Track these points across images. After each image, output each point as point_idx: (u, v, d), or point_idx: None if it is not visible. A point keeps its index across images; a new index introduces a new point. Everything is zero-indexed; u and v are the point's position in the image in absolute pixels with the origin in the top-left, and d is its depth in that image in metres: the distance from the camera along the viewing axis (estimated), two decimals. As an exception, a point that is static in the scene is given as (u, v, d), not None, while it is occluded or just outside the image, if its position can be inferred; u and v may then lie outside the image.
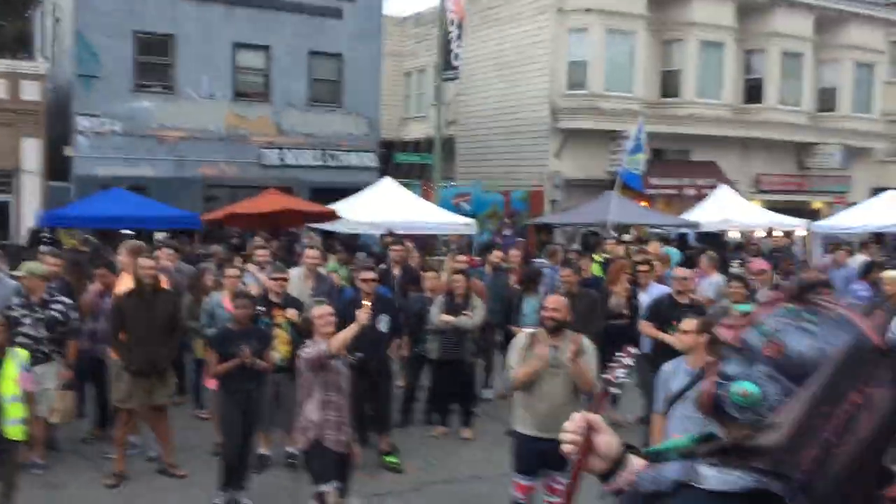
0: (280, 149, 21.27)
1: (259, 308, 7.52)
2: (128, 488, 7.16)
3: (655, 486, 1.44)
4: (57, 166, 19.14)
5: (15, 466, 6.24)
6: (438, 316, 8.65)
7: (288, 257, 11.73)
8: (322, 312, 5.86)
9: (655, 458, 1.51)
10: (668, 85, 25.46)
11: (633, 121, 20.49)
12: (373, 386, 7.75)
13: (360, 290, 7.85)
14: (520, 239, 19.63)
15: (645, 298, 9.19)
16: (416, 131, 29.00)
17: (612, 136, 23.94)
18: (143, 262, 7.49)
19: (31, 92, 18.58)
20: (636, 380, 9.17)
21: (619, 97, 23.94)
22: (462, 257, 10.18)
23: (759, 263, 9.49)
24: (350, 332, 5.74)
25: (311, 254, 8.63)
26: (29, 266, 7.78)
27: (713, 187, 22.90)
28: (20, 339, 7.24)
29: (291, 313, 7.63)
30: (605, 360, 8.94)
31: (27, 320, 7.35)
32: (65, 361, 7.61)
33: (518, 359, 5.71)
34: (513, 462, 5.73)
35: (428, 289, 9.21)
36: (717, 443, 1.43)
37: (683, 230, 21.06)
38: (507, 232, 22.81)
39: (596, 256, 13.26)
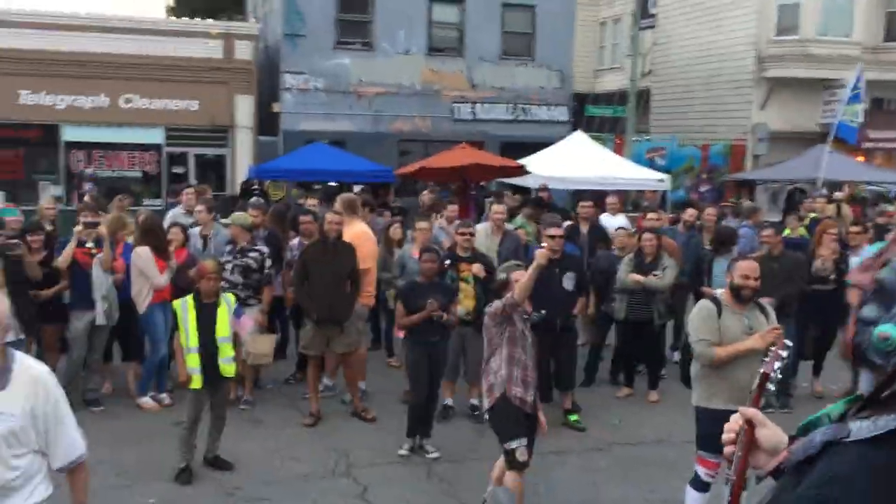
0: (472, 103, 21.44)
1: (446, 262, 7.67)
2: (323, 428, 7.60)
3: (805, 453, 1.35)
4: (266, 122, 20.39)
5: (225, 400, 6.80)
6: (626, 275, 8.43)
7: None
8: (519, 276, 5.64)
9: (807, 430, 1.40)
10: (894, 27, 23.07)
11: (849, 68, 18.82)
12: (557, 344, 7.70)
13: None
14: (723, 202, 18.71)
15: (856, 262, 8.47)
16: (609, 83, 28.21)
17: (826, 85, 22.13)
18: (329, 216, 7.81)
19: (244, 51, 19.82)
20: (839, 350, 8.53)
21: (835, 42, 22.02)
22: (653, 215, 9.82)
23: None
24: (530, 276, 5.50)
25: (497, 209, 8.65)
26: (235, 216, 8.38)
27: (943, 140, 20.69)
28: (222, 284, 7.87)
29: (477, 268, 7.70)
30: (803, 326, 8.40)
31: (229, 266, 7.93)
32: (259, 307, 8.13)
33: (709, 331, 5.32)
34: (698, 440, 5.41)
35: (618, 247, 8.99)
36: (867, 397, 1.32)
37: (905, 188, 19.21)
38: (703, 188, 21.83)
39: (802, 216, 12.40)
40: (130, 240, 8.32)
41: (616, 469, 6.86)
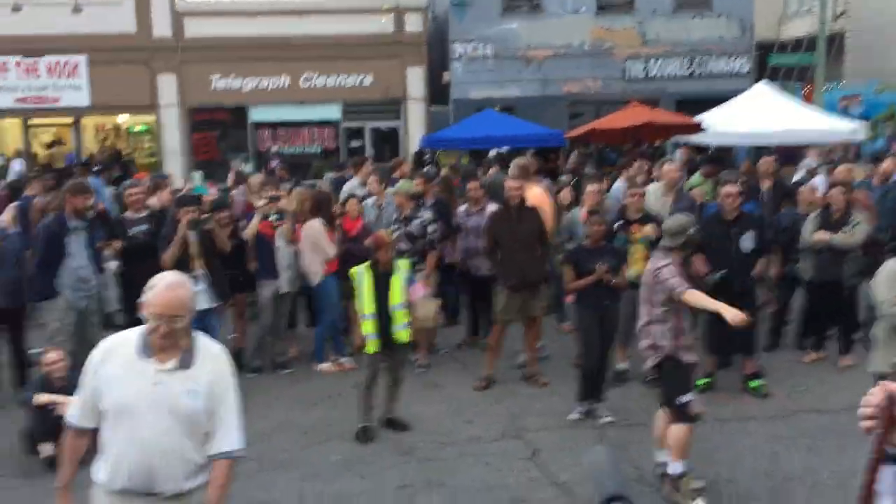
0: (645, 60, 20.71)
1: (616, 224, 7.49)
2: (495, 392, 7.69)
3: None
4: (437, 92, 20.70)
5: (402, 364, 7.03)
6: (812, 233, 7.88)
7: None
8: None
9: None
10: None
11: None
12: (736, 306, 7.33)
13: (722, 207, 7.43)
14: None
15: None
16: (797, 29, 26.26)
17: None
18: (510, 182, 7.83)
19: (414, 23, 20.19)
20: None
21: None
22: (843, 167, 9.11)
23: None
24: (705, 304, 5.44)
25: (669, 168, 8.33)
26: (399, 185, 8.60)
27: None
28: None
29: (649, 229, 7.48)
30: None
31: (395, 234, 8.15)
32: (425, 272, 8.29)
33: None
34: None
35: (803, 203, 8.42)
36: None
37: None
38: (904, 137, 19.98)
39: None
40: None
41: (801, 438, 6.49)
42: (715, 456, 6.06)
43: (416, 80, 20.26)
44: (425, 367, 8.33)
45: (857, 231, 7.83)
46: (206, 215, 7.99)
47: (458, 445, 6.51)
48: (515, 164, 8.76)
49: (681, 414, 5.30)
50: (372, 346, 6.68)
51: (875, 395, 1.56)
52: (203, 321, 7.37)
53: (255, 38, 19.10)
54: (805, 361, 8.29)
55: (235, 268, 8.11)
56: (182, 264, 7.08)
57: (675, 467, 5.30)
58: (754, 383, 7.49)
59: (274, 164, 16.14)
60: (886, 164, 9.57)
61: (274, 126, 20.11)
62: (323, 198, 8.34)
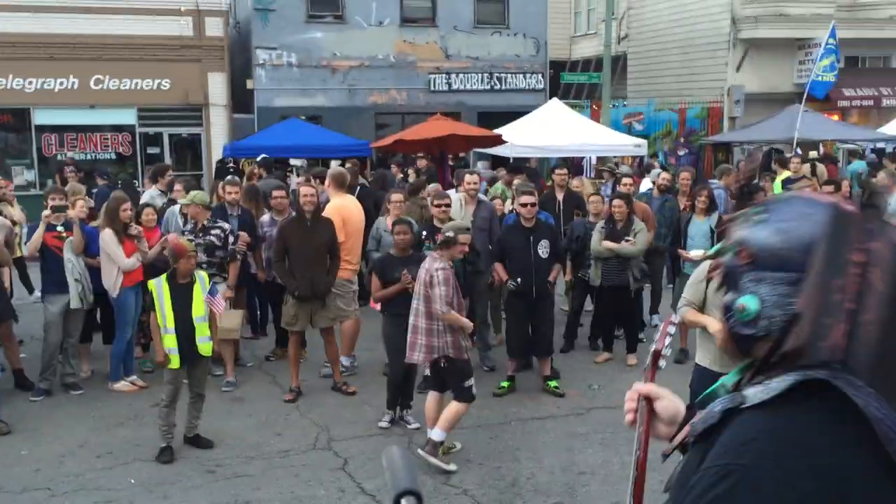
0: (447, 74, 21.31)
1: (423, 234, 7.67)
2: (303, 403, 7.62)
3: (705, 425, 1.38)
4: (240, 99, 20.19)
5: (203, 378, 6.80)
6: (598, 243, 8.46)
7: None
8: (467, 240, 6.44)
9: (705, 403, 1.43)
10: (867, -16, 23.08)
11: (823, 27, 18.84)
12: (533, 311, 7.74)
13: (520, 216, 7.80)
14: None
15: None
16: (585, 50, 28.11)
17: (800, 45, 22.15)
18: (304, 189, 7.79)
19: (214, 28, 19.55)
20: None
21: (809, 1, 21.98)
22: (627, 180, 9.84)
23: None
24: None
25: (470, 179, 8.64)
26: (194, 194, 8.28)
27: (917, 96, 20.81)
28: None
29: (452, 239, 7.70)
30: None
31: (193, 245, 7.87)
32: (228, 283, 8.10)
33: (693, 293, 5.31)
34: (690, 393, 5.46)
35: (592, 213, 9.01)
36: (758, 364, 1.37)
37: (880, 145, 19.31)
38: (682, 152, 21.86)
39: (778, 176, 12.50)
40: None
41: (595, 434, 6.93)
42: (516, 453, 6.35)
43: (217, 86, 19.63)
44: (233, 384, 8.08)
45: (639, 239, 8.49)
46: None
47: (266, 459, 6.39)
48: (330, 174, 8.73)
49: (465, 393, 6.18)
50: (175, 362, 6.42)
51: (632, 398, 1.76)
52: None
53: (40, 35, 17.76)
54: (597, 361, 8.87)
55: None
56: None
57: (440, 434, 6.12)
58: (552, 383, 7.91)
59: (68, 170, 15.07)
60: (662, 176, 10.42)
61: (61, 130, 18.77)
62: (112, 206, 7.84)
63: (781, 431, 1.26)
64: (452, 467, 6.13)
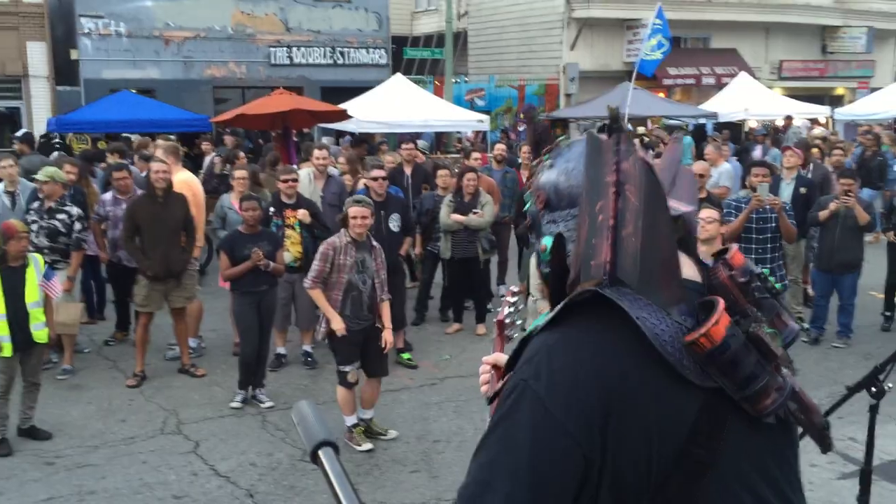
0: (288, 47, 20.86)
1: (270, 210, 7.52)
2: (149, 388, 7.33)
3: (511, 356, 1.48)
4: (65, 71, 18.92)
5: (38, 367, 6.41)
6: (448, 215, 8.60)
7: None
8: (361, 212, 6.04)
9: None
10: (689, -32, 24.49)
11: (651, 7, 19.82)
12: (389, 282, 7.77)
13: (369, 190, 7.80)
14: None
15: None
16: (427, 26, 28.28)
17: (629, 25, 23.25)
18: (155, 165, 7.46)
19: (32, -6, 18.18)
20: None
21: (636, -17, 23.10)
22: (476, 154, 10.03)
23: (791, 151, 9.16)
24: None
25: (319, 154, 8.54)
26: (50, 170, 7.71)
27: (733, 75, 22.38)
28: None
29: (302, 213, 7.61)
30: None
31: (34, 227, 7.36)
32: (69, 272, 7.59)
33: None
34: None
35: (440, 187, 9.13)
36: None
37: (701, 120, 20.67)
38: (521, 128, 22.51)
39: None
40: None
41: (449, 402, 7.09)
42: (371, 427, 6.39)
43: (37, 55, 18.29)
44: (70, 371, 7.63)
45: (486, 211, 8.70)
46: None
47: (111, 447, 6.11)
48: (163, 146, 8.38)
49: (341, 379, 6.05)
50: (7, 350, 6.01)
51: (484, 369, 1.89)
52: None
53: None
54: (448, 332, 9.04)
55: None
56: None
57: (348, 420, 6.12)
58: (405, 356, 8.00)
59: None
60: (498, 148, 10.66)
61: None
62: None
63: (558, 343, 1.37)
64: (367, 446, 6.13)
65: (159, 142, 10.40)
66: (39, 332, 6.21)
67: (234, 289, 7.09)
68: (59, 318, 7.01)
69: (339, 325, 5.93)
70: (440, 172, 9.23)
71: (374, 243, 6.24)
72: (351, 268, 5.98)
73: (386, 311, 6.23)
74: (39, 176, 7.59)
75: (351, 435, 6.10)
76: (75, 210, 7.69)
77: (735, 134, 19.62)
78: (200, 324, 8.35)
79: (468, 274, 8.86)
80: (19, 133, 12.50)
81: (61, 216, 7.56)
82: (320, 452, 1.30)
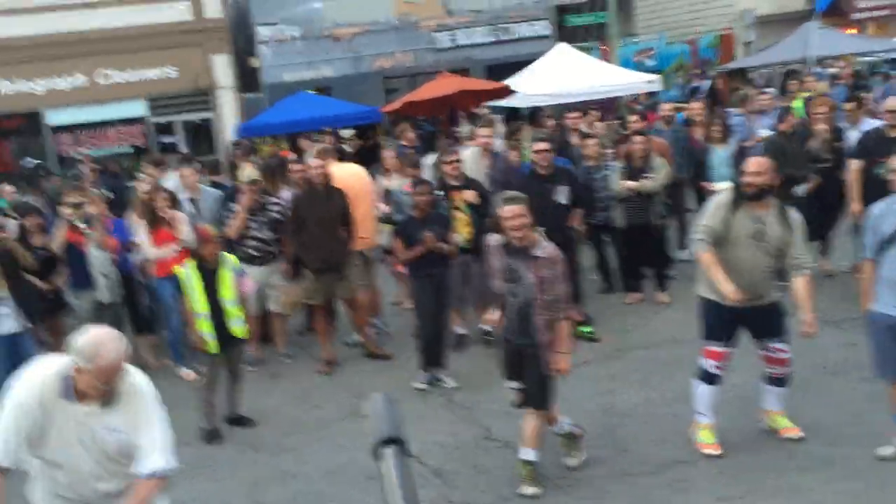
0: (451, 30, 21.05)
1: (438, 193, 7.61)
2: (339, 374, 7.66)
3: None
4: (247, 79, 20.10)
5: (240, 360, 6.85)
6: (618, 182, 8.33)
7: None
8: (512, 213, 5.07)
9: None
10: None
11: (832, -61, 18.29)
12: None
13: (535, 164, 7.70)
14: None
15: (856, 136, 8.34)
16: (589, -11, 27.56)
17: (809, -40, 21.53)
18: (313, 161, 7.73)
19: (213, 9, 19.36)
20: (850, 226, 8.49)
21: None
22: (634, 117, 9.66)
23: None
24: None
25: (482, 132, 8.52)
26: (247, 172, 8.28)
27: (936, 0, 20.21)
28: (251, 242, 7.86)
29: (469, 195, 7.64)
30: (807, 207, 8.35)
31: (253, 224, 7.86)
32: (284, 258, 8.07)
33: (713, 220, 5.16)
34: (702, 330, 5.43)
35: (590, 156, 8.79)
36: None
37: (898, 55, 18.83)
38: (697, 84, 21.49)
39: (797, 97, 12.21)
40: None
41: (632, 374, 6.91)
42: (559, 405, 6.31)
43: (222, 67, 19.50)
44: (289, 355, 8.17)
45: (660, 174, 8.36)
46: (3, 235, 7.41)
47: (307, 432, 6.44)
48: (317, 149, 8.67)
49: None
50: (213, 346, 6.46)
51: None
52: (15, 346, 6.88)
53: (42, 36, 17.74)
54: (628, 303, 8.79)
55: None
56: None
57: (521, 452, 5.29)
58: (585, 329, 7.86)
59: (82, 168, 15.15)
60: (665, 108, 10.21)
61: (75, 129, 18.83)
62: (145, 195, 7.90)
63: None
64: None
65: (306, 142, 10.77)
66: (238, 328, 6.62)
67: (410, 272, 7.24)
68: (285, 298, 7.96)
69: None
70: (587, 142, 8.90)
71: (539, 252, 5.05)
72: (500, 274, 5.19)
73: (561, 331, 5.15)
74: (252, 177, 8.12)
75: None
76: (281, 199, 8.13)
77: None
78: (381, 308, 8.60)
79: (645, 241, 8.56)
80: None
81: (274, 207, 8.02)
82: (383, 449, 1.23)
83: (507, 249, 5.13)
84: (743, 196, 5.17)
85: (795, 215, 5.18)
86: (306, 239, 7.63)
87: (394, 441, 1.24)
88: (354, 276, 7.90)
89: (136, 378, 3.53)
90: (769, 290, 5.23)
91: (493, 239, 5.31)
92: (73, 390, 3.31)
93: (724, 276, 5.07)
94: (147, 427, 3.45)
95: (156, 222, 7.79)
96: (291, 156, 11.08)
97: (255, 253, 7.93)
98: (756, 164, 5.16)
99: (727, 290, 5.01)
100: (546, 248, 5.13)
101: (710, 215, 5.26)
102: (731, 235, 5.14)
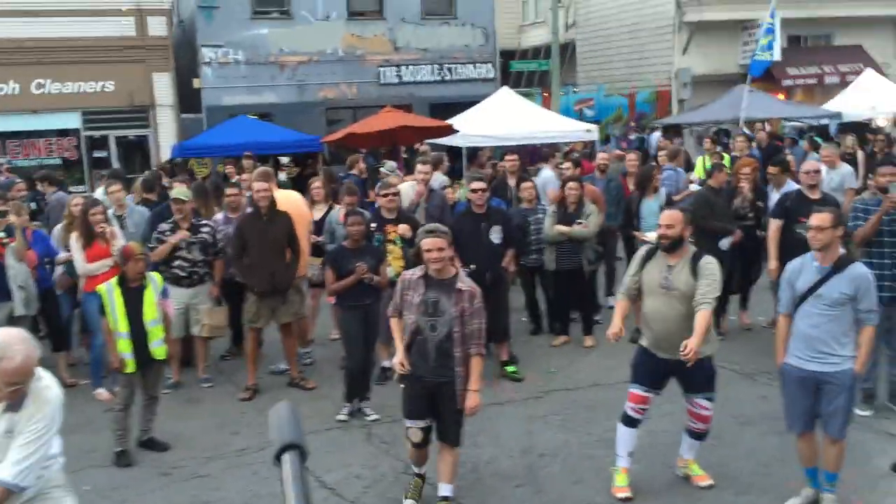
0: (397, 66, 21.23)
1: (371, 225, 7.62)
2: (261, 401, 7.53)
3: None
4: (187, 99, 19.88)
5: (158, 382, 6.69)
6: (552, 227, 8.48)
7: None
8: (433, 244, 5.10)
9: None
10: (806, -36, 23.47)
11: (766, 8, 19.10)
12: (487, 297, 7.70)
13: (471, 203, 7.79)
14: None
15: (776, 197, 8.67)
16: (534, 38, 28.21)
17: (744, 26, 22.46)
18: (258, 185, 7.70)
19: (157, 27, 19.20)
20: (769, 282, 8.77)
21: (750, -18, 22.32)
22: (567, 164, 9.91)
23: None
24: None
25: (421, 168, 8.61)
26: (180, 190, 8.16)
27: (858, 73, 21.22)
28: (178, 262, 7.77)
29: (403, 228, 7.67)
30: (729, 261, 8.59)
31: (182, 245, 7.74)
32: (213, 280, 8.02)
33: (630, 274, 5.51)
34: (631, 372, 5.56)
35: (525, 199, 8.95)
36: None
37: (824, 121, 19.69)
38: (632, 136, 22.08)
39: (725, 155, 12.65)
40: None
41: (554, 416, 6.97)
42: (476, 439, 6.34)
43: (163, 86, 19.30)
44: (210, 381, 8.02)
45: (591, 221, 8.54)
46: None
47: (225, 459, 6.31)
48: (258, 172, 8.64)
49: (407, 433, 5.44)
50: (130, 366, 6.30)
51: None
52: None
53: (-25, 40, 17.30)
54: (554, 345, 8.90)
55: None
56: None
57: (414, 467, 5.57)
58: (510, 369, 7.93)
59: (2, 179, 14.70)
60: (601, 157, 10.49)
61: (3, 137, 18.31)
62: (83, 209, 7.71)
63: None
64: None
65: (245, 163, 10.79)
66: (158, 349, 6.48)
67: (339, 303, 7.21)
68: (212, 321, 7.81)
69: (397, 358, 5.23)
70: (524, 185, 9.06)
71: (462, 285, 5.09)
72: (417, 307, 5.10)
73: (474, 367, 5.11)
74: (178, 195, 7.97)
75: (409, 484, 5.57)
76: (212, 222, 8.09)
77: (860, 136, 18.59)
78: (310, 337, 8.54)
79: (574, 285, 8.71)
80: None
81: (206, 230, 7.94)
82: (286, 455, 1.28)
83: (428, 282, 5.14)
84: (657, 247, 5.40)
85: (708, 261, 5.29)
86: (251, 261, 7.56)
87: (294, 447, 1.27)
88: (296, 301, 7.86)
89: (46, 384, 3.46)
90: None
91: (411, 272, 5.32)
92: None
93: (619, 321, 5.38)
94: (23, 435, 3.39)
95: (91, 237, 7.60)
96: (234, 174, 11.00)
97: (182, 274, 7.83)
98: (669, 217, 5.34)
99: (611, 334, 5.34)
100: (465, 281, 5.19)
101: (630, 266, 5.59)
102: (644, 286, 5.37)
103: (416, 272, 5.24)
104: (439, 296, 5.09)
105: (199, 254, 7.86)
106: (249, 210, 8.03)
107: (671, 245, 5.29)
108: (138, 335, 6.33)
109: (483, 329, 5.19)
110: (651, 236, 7.99)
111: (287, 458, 1.26)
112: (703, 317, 5.04)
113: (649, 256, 5.41)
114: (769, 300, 8.76)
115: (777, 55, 18.25)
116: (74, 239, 7.65)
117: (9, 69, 17.79)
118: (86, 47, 18.13)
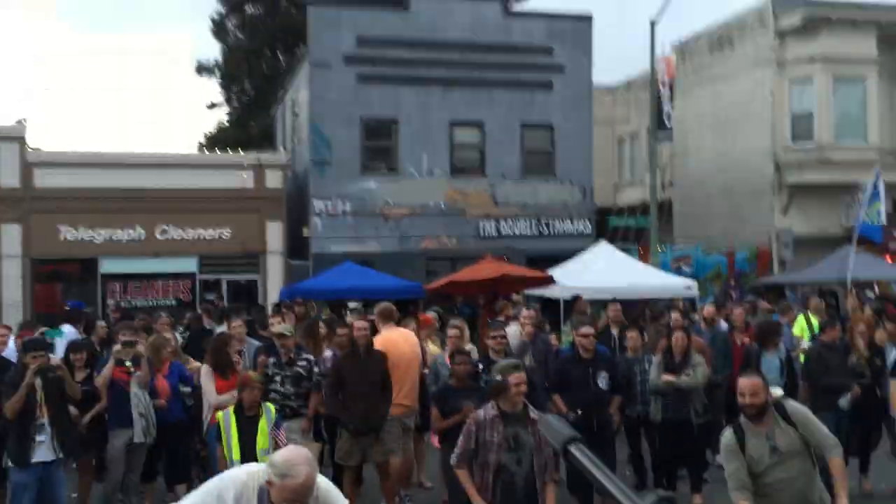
0: (496, 220, 21.86)
1: (480, 365, 7.72)
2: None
3: None
4: (297, 246, 20.89)
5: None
6: (659, 376, 8.39)
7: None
8: (520, 378, 5.42)
9: None
10: (908, 130, 23.50)
11: (867, 171, 19.08)
12: (594, 443, 7.59)
13: (576, 348, 7.83)
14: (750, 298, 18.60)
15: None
16: (630, 196, 28.69)
17: (846, 189, 22.33)
18: (357, 323, 7.96)
19: (274, 180, 20.57)
20: (889, 446, 8.38)
21: (852, 147, 22.40)
22: (676, 314, 9.89)
23: None
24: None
25: (526, 314, 8.76)
26: (284, 326, 8.54)
27: (970, 238, 20.66)
28: (272, 395, 7.95)
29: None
30: (849, 421, 8.24)
31: (277, 378, 8.01)
32: (308, 413, 8.16)
33: (734, 469, 4.96)
34: None
35: (630, 349, 8.94)
36: None
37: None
38: (733, 294, 21.77)
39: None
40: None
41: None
42: None
43: (275, 234, 20.41)
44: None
45: (698, 372, 8.40)
46: (54, 362, 7.61)
47: None
48: (378, 309, 8.95)
49: None
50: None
51: None
52: (46, 476, 6.89)
53: (108, 189, 18.84)
54: (660, 500, 8.54)
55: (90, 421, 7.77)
56: (27, 412, 6.73)
57: None
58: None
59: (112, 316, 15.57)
60: (707, 310, 10.44)
61: (125, 279, 19.51)
62: (217, 343, 8.12)
63: None
64: None
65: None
66: (266, 480, 6.58)
67: (443, 443, 7.22)
68: None
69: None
70: (630, 334, 9.07)
71: (534, 415, 5.22)
72: (499, 446, 5.23)
73: (550, 496, 5.27)
74: (282, 331, 8.33)
75: None
76: (311, 356, 8.34)
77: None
78: (411, 479, 8.48)
79: (682, 439, 8.46)
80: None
81: (302, 363, 8.18)
82: (570, 447, 1.46)
83: (505, 417, 5.24)
84: (738, 427, 5.06)
85: (793, 405, 5.06)
86: (346, 399, 7.71)
87: (576, 440, 1.72)
88: (390, 441, 7.90)
89: (325, 487, 3.65)
90: (817, 494, 5.08)
91: (482, 412, 5.36)
92: (268, 499, 3.43)
93: None
94: None
95: (226, 369, 7.91)
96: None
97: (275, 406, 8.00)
98: (752, 386, 5.01)
99: None
100: (533, 410, 5.33)
101: (727, 464, 5.08)
102: (754, 467, 4.98)
103: (490, 411, 5.33)
104: (517, 429, 5.23)
105: (291, 387, 8.04)
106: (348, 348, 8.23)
107: (758, 413, 4.99)
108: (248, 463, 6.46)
109: (553, 456, 5.22)
110: (777, 392, 7.75)
111: (575, 448, 1.51)
112: (838, 466, 4.84)
113: (739, 439, 5.02)
114: (890, 466, 8.32)
115: (883, 219, 18.00)
116: (207, 370, 7.96)
117: (136, 216, 19.21)
118: (208, 198, 19.48)
